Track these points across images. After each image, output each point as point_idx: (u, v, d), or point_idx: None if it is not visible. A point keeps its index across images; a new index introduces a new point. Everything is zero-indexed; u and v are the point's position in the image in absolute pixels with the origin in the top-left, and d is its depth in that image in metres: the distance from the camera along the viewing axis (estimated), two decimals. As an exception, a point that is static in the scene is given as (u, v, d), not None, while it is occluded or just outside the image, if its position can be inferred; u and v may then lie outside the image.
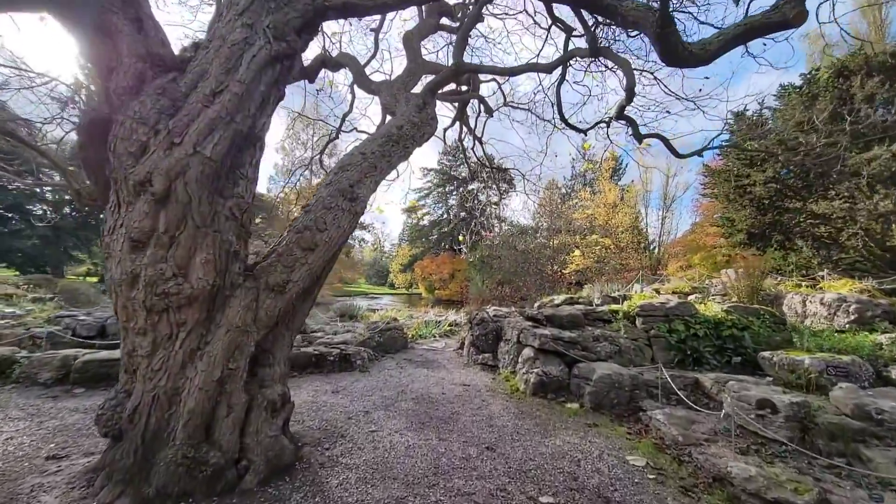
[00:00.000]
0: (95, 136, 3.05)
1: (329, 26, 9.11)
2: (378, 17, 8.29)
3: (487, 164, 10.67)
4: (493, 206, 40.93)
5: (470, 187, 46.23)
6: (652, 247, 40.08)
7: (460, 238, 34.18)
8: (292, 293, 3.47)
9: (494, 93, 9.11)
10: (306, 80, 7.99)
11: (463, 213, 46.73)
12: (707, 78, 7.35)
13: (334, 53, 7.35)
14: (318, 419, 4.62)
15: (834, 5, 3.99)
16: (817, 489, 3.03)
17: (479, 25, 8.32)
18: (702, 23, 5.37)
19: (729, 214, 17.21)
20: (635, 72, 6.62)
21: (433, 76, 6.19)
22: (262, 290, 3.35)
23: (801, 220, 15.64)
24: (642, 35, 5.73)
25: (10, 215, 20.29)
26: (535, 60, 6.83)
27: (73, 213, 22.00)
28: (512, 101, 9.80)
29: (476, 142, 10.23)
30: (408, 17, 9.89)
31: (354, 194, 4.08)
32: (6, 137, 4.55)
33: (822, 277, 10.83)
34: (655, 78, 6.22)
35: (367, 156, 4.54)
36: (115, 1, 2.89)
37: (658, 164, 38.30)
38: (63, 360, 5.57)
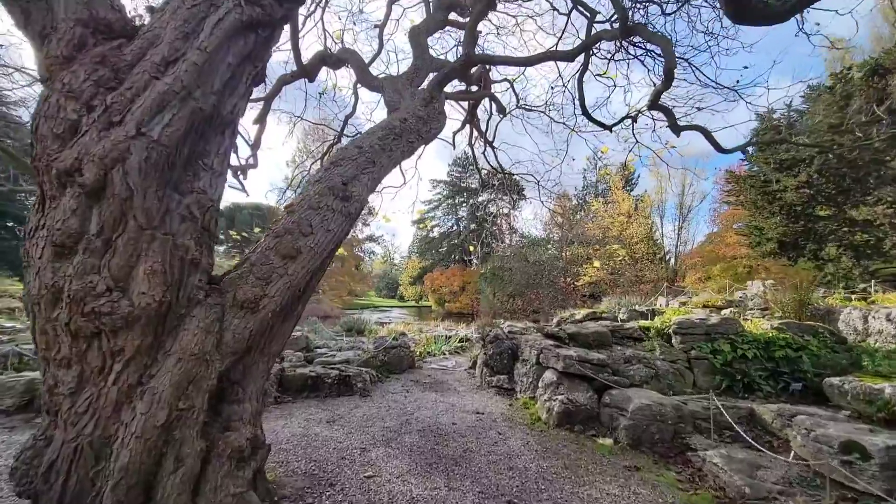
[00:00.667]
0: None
1: (331, 24, 8.67)
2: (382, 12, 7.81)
3: (500, 169, 10.02)
4: (504, 217, 40.27)
5: (480, 198, 45.71)
6: (667, 258, 38.88)
7: (471, 248, 33.47)
8: (268, 311, 2.81)
9: (507, 90, 8.49)
10: (307, 80, 7.58)
11: (473, 225, 46.18)
12: (746, 67, 6.65)
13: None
14: (305, 459, 3.91)
15: None
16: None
17: (490, 16, 7.78)
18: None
19: (756, 223, 16.23)
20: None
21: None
22: (228, 307, 2.70)
23: (837, 227, 14.63)
24: (679, 13, 5.08)
25: (10, 224, 20.20)
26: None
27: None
28: (525, 104, 9.20)
29: (487, 146, 9.63)
30: (414, 18, 9.41)
31: (348, 192, 3.45)
32: None
33: (872, 290, 9.82)
34: (690, 64, 5.53)
35: (365, 150, 3.92)
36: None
37: (674, 172, 37.35)
38: (28, 384, 4.97)
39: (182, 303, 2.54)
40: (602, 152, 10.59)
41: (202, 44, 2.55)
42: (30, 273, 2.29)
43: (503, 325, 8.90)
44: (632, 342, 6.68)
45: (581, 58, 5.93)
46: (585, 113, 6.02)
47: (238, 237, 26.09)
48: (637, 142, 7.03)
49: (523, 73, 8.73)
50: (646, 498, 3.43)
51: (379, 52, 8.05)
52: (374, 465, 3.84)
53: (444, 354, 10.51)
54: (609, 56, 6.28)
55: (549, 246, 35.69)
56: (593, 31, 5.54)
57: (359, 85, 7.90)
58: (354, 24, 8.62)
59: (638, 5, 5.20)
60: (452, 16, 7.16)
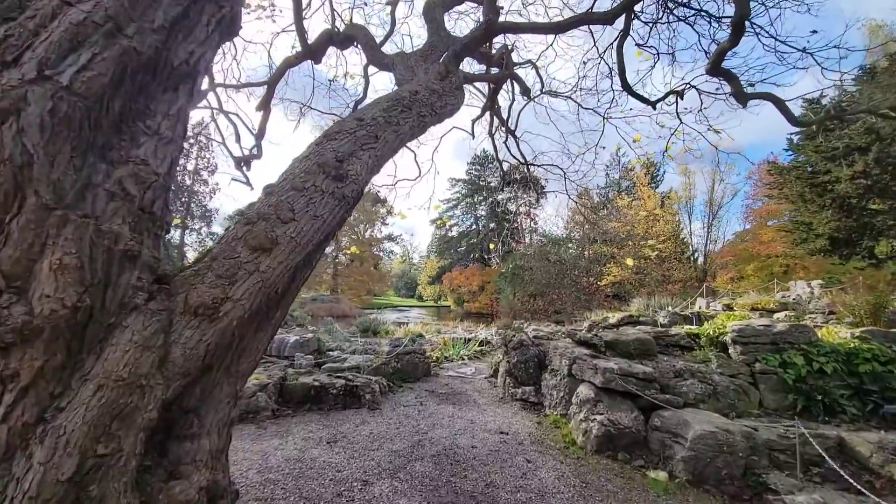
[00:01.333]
0: None
1: (338, 3, 8.07)
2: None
3: (522, 160, 9.22)
4: (525, 215, 39.26)
5: (500, 197, 44.69)
6: (696, 257, 37.14)
7: (490, 245, 32.57)
8: (232, 319, 2.14)
9: (532, 71, 7.69)
10: (314, 68, 7.00)
11: (493, 224, 45.31)
12: (814, 32, 5.70)
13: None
14: (295, 495, 3.26)
15: None
16: None
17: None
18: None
19: (803, 217, 14.84)
20: (721, 21, 5.09)
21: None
22: (179, 314, 2.06)
23: (895, 222, 13.22)
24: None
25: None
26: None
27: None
28: (549, 89, 8.40)
29: (509, 135, 8.86)
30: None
31: (343, 171, 2.75)
32: None
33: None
34: (752, 24, 4.65)
35: (367, 122, 3.21)
36: None
37: (705, 168, 35.69)
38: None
39: (111, 309, 1.89)
40: (635, 140, 9.70)
41: (136, -38, 1.90)
42: None
43: (528, 329, 8.11)
44: (679, 351, 5.80)
45: (621, 23, 5.12)
46: (626, 86, 5.19)
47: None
48: (681, 122, 6.16)
49: (548, 50, 7.89)
50: (725, 563, 2.63)
51: (391, 32, 7.39)
52: (376, 505, 3.16)
53: (463, 360, 9.78)
54: (653, 20, 5.42)
55: (571, 244, 34.54)
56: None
57: (370, 67, 7.30)
58: (366, 4, 7.87)
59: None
60: (472, -10, 6.43)
